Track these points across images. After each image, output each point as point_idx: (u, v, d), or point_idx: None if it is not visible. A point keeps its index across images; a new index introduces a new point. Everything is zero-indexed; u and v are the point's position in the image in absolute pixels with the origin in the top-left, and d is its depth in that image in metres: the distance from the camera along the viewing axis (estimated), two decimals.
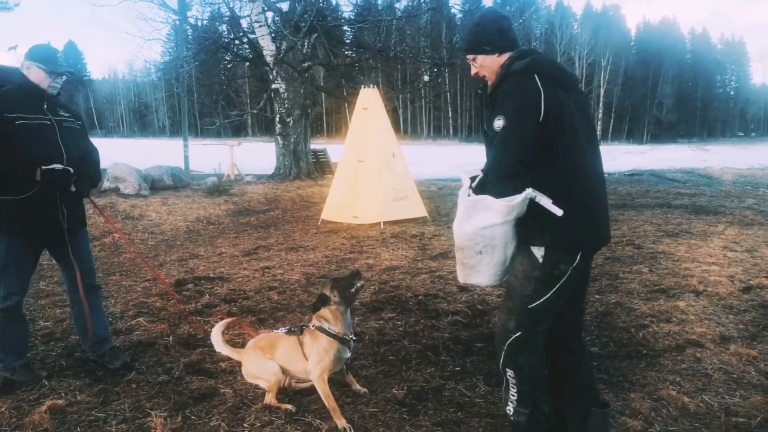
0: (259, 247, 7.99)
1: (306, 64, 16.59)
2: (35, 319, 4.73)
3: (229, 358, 3.61)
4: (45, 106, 3.46)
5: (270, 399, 3.22)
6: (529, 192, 2.22)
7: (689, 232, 8.46)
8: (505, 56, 2.43)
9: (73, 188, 3.47)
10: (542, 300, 2.35)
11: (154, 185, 12.99)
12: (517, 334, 2.40)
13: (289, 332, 3.31)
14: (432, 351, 4.02)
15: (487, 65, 2.49)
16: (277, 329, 3.52)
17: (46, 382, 3.52)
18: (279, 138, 16.78)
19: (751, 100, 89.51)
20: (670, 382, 3.48)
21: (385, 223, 9.37)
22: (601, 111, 72.94)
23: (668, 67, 77.11)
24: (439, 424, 3.01)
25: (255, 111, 18.95)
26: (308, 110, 17.42)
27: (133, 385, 3.54)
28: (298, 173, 16.67)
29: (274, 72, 16.02)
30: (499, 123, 2.25)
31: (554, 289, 2.35)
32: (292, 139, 16.62)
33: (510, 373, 2.46)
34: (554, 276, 2.33)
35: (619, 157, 31.19)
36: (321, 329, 3.11)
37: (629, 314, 4.76)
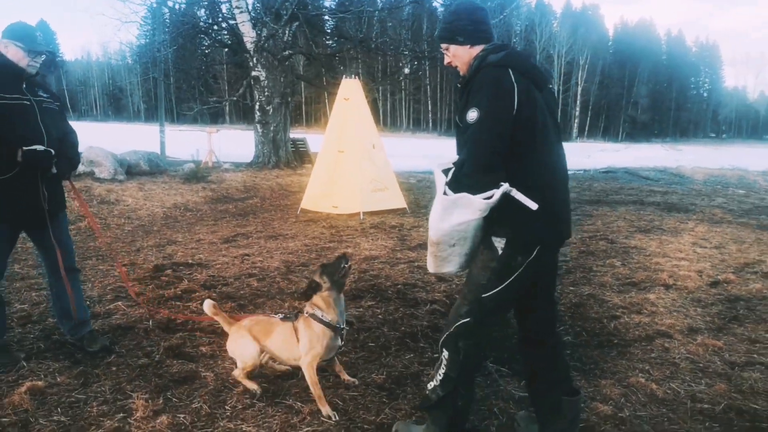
0: (238, 235, 7.97)
1: (287, 53, 16.46)
2: (11, 302, 4.66)
3: (211, 342, 3.63)
4: (24, 85, 3.40)
5: (239, 374, 3.27)
6: (505, 187, 2.24)
7: (661, 228, 8.70)
8: (478, 48, 2.45)
9: (54, 170, 3.43)
10: (495, 291, 2.38)
11: (130, 170, 12.79)
12: (465, 320, 2.44)
13: (285, 318, 3.28)
14: (411, 338, 4.09)
15: (459, 55, 2.50)
16: (275, 315, 3.51)
17: (25, 364, 3.51)
18: (258, 126, 16.65)
19: (723, 102, 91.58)
20: (640, 370, 3.62)
21: (364, 213, 9.41)
22: (578, 109, 73.93)
23: (644, 67, 78.40)
24: (418, 407, 3.09)
25: (234, 98, 18.70)
26: (288, 99, 17.31)
27: (113, 368, 3.54)
28: (276, 162, 16.57)
29: (254, 59, 15.87)
30: (472, 115, 2.25)
31: (508, 281, 2.37)
32: (271, 128, 16.51)
33: (445, 354, 2.50)
34: (510, 268, 2.36)
35: (594, 155, 31.71)
36: (314, 316, 3.10)
37: (602, 306, 4.91)
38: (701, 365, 3.72)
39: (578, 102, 73.87)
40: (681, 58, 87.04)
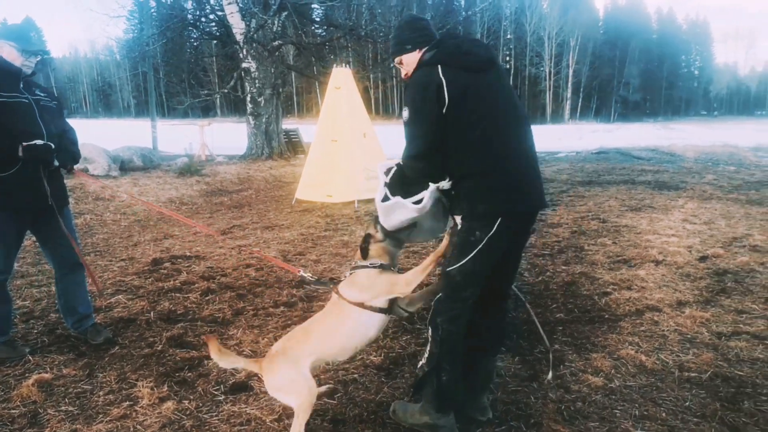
0: (234, 226, 8.04)
1: (276, 43, 16.42)
2: (12, 299, 4.73)
3: (212, 331, 3.70)
4: (21, 85, 3.45)
5: (300, 427, 2.49)
6: (432, 188, 2.44)
7: (651, 206, 8.81)
8: (422, 51, 2.59)
9: (56, 162, 3.50)
10: (459, 264, 2.44)
11: (123, 166, 12.83)
12: (438, 296, 2.56)
13: (319, 283, 3.08)
14: (407, 320, 4.19)
15: (410, 62, 2.64)
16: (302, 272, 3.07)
17: (31, 358, 3.59)
18: (250, 118, 16.66)
19: (714, 79, 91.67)
20: (629, 343, 3.74)
21: (359, 201, 9.49)
22: (569, 90, 73.86)
23: (635, 46, 78.29)
24: (411, 387, 3.20)
25: (226, 90, 18.64)
26: (279, 90, 17.29)
27: (117, 359, 3.63)
28: (270, 153, 16.60)
29: (244, 51, 15.84)
30: (405, 114, 2.47)
31: (470, 255, 2.42)
32: (263, 119, 16.51)
33: (429, 332, 2.63)
34: (470, 242, 2.42)
35: (586, 136, 31.80)
36: (358, 267, 2.74)
37: (593, 283, 5.02)
38: (689, 336, 3.84)
39: (570, 83, 73.77)
40: (672, 36, 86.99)
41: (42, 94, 3.57)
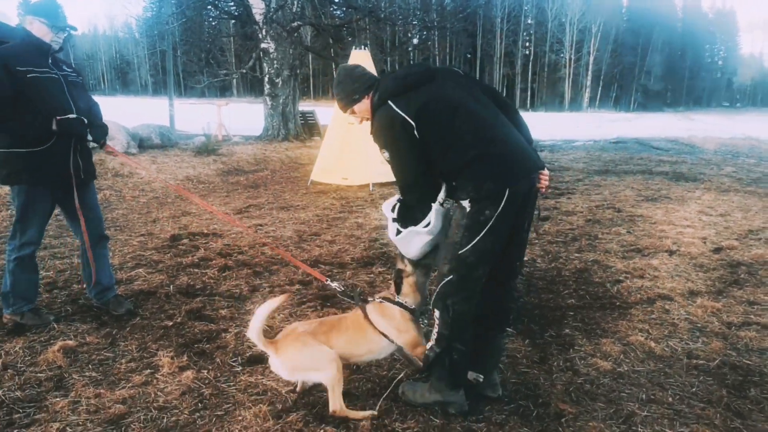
0: (251, 206, 8.15)
1: (295, 24, 16.41)
2: None
3: (229, 306, 3.79)
4: (50, 60, 3.54)
5: (338, 402, 2.66)
6: (436, 206, 2.64)
7: (668, 197, 8.77)
8: (369, 96, 2.74)
9: (89, 137, 3.60)
10: (470, 246, 2.51)
11: (142, 144, 12.97)
12: (449, 278, 2.59)
13: (345, 294, 3.20)
14: None
15: (363, 110, 2.79)
16: (331, 283, 3.22)
17: (55, 325, 3.72)
18: (268, 99, 16.71)
19: (738, 70, 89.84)
20: (639, 330, 3.78)
21: (374, 184, 9.54)
22: (589, 78, 72.80)
23: (658, 35, 76.82)
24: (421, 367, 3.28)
25: (244, 70, 18.68)
26: (297, 71, 17.31)
27: (138, 329, 3.75)
28: (286, 135, 16.67)
29: (263, 31, 15.84)
30: (385, 155, 2.64)
31: (481, 234, 2.50)
32: (280, 100, 16.57)
33: (436, 314, 2.67)
34: (480, 222, 2.49)
35: (604, 125, 31.45)
36: (387, 299, 2.91)
37: (605, 271, 5.05)
38: (699, 325, 3.87)
39: (590, 71, 72.69)
40: (696, 25, 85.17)
41: (68, 70, 3.66)
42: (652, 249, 5.72)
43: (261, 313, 2.63)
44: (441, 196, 2.69)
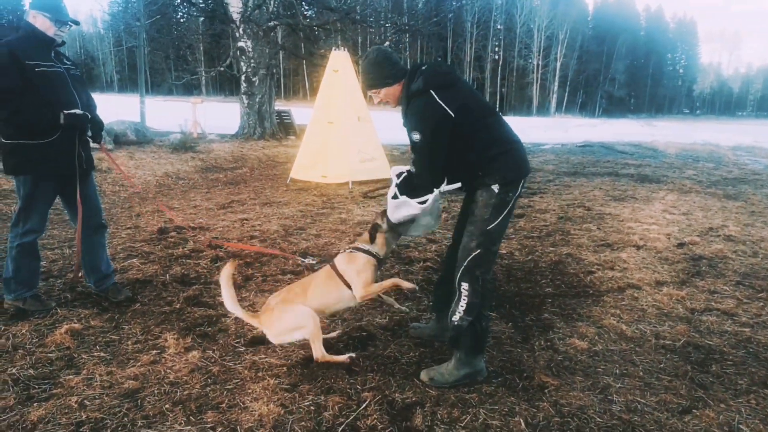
0: (233, 201, 8.26)
1: (272, 23, 16.49)
2: None
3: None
4: (52, 54, 3.65)
5: (320, 351, 3.12)
6: (435, 193, 2.95)
7: (634, 197, 9.22)
8: (402, 82, 3.00)
9: (89, 132, 3.71)
10: (497, 222, 2.91)
11: (117, 139, 12.90)
12: (477, 252, 2.93)
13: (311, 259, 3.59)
14: (410, 291, 4.49)
15: (390, 94, 3.05)
16: (299, 258, 3.70)
17: (58, 310, 3.83)
18: (244, 97, 16.74)
19: (698, 79, 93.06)
20: (612, 315, 4.09)
21: (353, 183, 9.75)
22: (556, 83, 74.46)
23: (622, 43, 79.03)
24: (419, 343, 3.52)
25: (222, 68, 18.65)
26: (273, 70, 17.38)
27: (139, 315, 3.89)
28: (262, 133, 16.73)
29: (240, 30, 15.88)
30: (416, 137, 2.85)
31: (504, 213, 2.92)
32: (257, 99, 16.62)
33: (465, 285, 2.96)
34: (504, 203, 2.91)
35: (571, 130, 32.28)
36: (356, 248, 3.30)
37: (579, 263, 5.38)
38: (666, 311, 4.20)
39: (557, 77, 74.38)
40: (659, 34, 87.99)
41: (69, 63, 3.77)
42: (620, 244, 6.09)
43: (223, 284, 3.18)
44: (443, 186, 3.00)
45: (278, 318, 3.11)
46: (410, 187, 3.09)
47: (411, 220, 3.14)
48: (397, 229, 3.26)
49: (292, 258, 3.62)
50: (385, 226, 3.29)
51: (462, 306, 2.96)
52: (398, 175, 3.18)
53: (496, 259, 3.03)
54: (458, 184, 3.03)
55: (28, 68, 3.42)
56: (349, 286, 3.20)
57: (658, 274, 5.08)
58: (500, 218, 2.91)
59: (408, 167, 3.18)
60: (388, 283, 3.24)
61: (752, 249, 5.98)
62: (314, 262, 3.60)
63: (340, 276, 3.23)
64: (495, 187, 2.89)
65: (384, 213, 3.30)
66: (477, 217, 2.94)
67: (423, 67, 2.94)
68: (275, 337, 3.14)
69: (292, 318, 3.09)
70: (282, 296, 3.24)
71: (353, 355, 3.20)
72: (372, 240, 3.31)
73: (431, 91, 2.81)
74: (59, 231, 6.06)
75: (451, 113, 2.78)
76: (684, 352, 3.54)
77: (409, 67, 3.04)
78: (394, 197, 3.10)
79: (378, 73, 3.01)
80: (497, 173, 2.90)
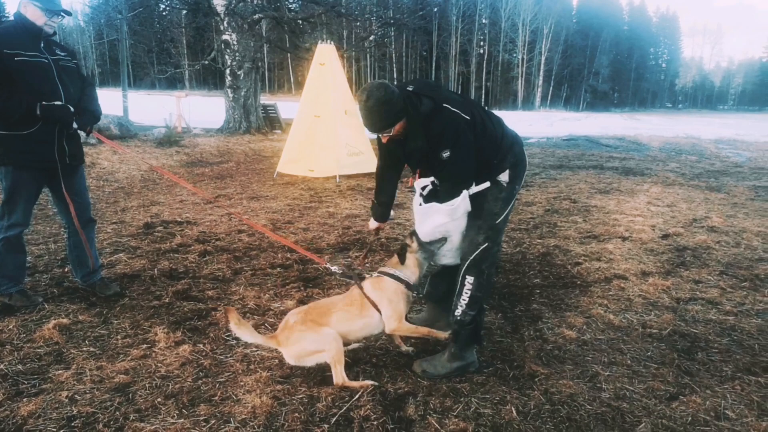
0: (220, 196, 8.22)
1: (257, 16, 16.36)
2: None
3: (215, 287, 3.93)
4: (42, 44, 3.58)
5: (341, 376, 2.85)
6: (464, 194, 2.89)
7: (618, 189, 9.33)
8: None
9: (75, 125, 3.64)
10: (504, 214, 2.99)
11: (100, 133, 12.71)
12: (484, 245, 2.95)
13: (343, 275, 3.40)
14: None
15: (399, 126, 2.86)
16: (330, 266, 3.45)
17: (45, 305, 3.79)
18: (229, 91, 16.61)
19: (680, 73, 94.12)
20: (599, 305, 4.15)
21: (340, 176, 9.73)
22: (541, 77, 74.84)
23: (606, 37, 79.69)
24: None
25: (206, 62, 18.47)
26: (258, 64, 17.26)
27: (128, 309, 3.86)
28: (248, 127, 16.62)
29: (224, 23, 15.73)
30: (446, 154, 2.76)
31: (511, 204, 3.02)
32: (242, 93, 16.50)
33: (470, 279, 2.98)
34: (511, 194, 3.01)
35: (556, 123, 32.55)
36: (385, 273, 3.07)
37: (566, 254, 5.43)
38: (652, 300, 4.27)
39: (542, 71, 74.76)
40: (642, 29, 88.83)
41: (62, 54, 3.70)
42: (606, 235, 6.16)
43: (236, 331, 2.88)
44: (465, 194, 2.94)
45: (298, 339, 2.87)
46: (435, 197, 3.03)
47: (443, 239, 3.02)
48: (429, 248, 3.06)
49: (321, 262, 3.62)
50: (414, 245, 3.07)
51: (464, 299, 2.98)
52: (423, 188, 3.09)
53: (499, 253, 3.07)
54: (487, 183, 2.95)
55: (6, 57, 3.35)
56: (379, 311, 2.99)
57: (643, 264, 5.15)
58: (508, 210, 3.00)
59: (431, 179, 3.07)
60: (424, 330, 3.10)
61: (735, 239, 6.08)
62: (339, 271, 3.55)
63: (371, 301, 3.00)
64: (504, 181, 2.95)
65: (412, 233, 3.10)
66: (486, 211, 2.96)
67: (409, 88, 2.88)
68: (294, 359, 2.91)
69: (314, 340, 2.85)
70: (301, 316, 2.97)
71: (376, 383, 2.90)
72: (402, 261, 3.09)
73: (444, 105, 2.81)
74: (43, 226, 5.98)
75: (467, 117, 2.82)
76: (670, 340, 3.59)
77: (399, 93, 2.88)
78: (420, 205, 3.07)
79: (388, 112, 2.78)
80: (512, 169, 2.98)
